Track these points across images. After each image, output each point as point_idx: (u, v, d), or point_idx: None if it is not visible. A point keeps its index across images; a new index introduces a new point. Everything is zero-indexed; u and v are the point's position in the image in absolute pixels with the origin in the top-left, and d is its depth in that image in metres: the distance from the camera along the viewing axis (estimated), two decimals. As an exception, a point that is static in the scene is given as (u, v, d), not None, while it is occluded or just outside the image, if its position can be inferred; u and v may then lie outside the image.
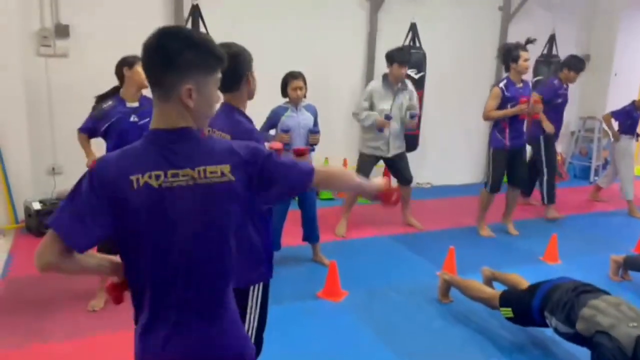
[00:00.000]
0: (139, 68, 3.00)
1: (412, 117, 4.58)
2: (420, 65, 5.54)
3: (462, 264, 3.90)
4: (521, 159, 4.77)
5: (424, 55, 5.56)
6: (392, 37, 5.69)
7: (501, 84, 4.53)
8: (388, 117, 4.43)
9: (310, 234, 4.00)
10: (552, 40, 6.26)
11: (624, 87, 7.10)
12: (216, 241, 1.28)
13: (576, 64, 5.20)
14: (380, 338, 2.99)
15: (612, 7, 7.05)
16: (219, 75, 1.31)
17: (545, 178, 5.31)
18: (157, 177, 1.22)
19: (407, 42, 5.55)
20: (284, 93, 3.86)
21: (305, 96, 3.85)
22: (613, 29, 7.03)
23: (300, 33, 5.59)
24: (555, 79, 5.30)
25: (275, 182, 1.34)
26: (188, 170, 1.24)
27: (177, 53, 1.22)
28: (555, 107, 5.21)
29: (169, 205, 1.23)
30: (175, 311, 1.27)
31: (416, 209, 5.30)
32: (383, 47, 5.83)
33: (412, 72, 5.45)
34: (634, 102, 5.76)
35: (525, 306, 2.85)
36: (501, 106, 4.49)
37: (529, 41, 4.57)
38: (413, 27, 5.53)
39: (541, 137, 5.25)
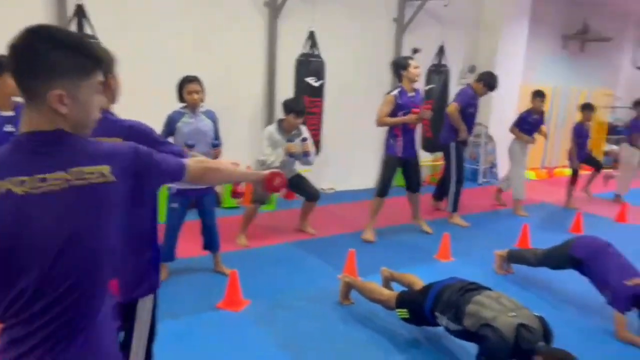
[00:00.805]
0: (6, 76, 2.73)
1: (305, 156, 4.66)
2: (319, 73, 5.63)
3: (363, 266, 4.00)
4: (416, 166, 4.99)
5: (322, 63, 5.66)
6: (291, 44, 5.75)
7: (394, 92, 4.72)
8: (290, 140, 4.51)
9: (210, 242, 3.90)
10: (441, 51, 6.65)
11: (505, 96, 7.72)
12: (93, 249, 1.18)
13: (490, 81, 5.48)
14: (282, 346, 2.96)
15: (494, 20, 7.64)
16: (98, 78, 1.22)
17: (453, 185, 5.56)
18: (22, 182, 1.11)
19: (306, 50, 5.61)
20: (181, 97, 3.74)
21: (202, 100, 3.75)
22: (495, 41, 7.62)
23: (198, 38, 5.47)
24: (470, 89, 5.54)
25: (151, 178, 1.35)
26: (60, 173, 1.13)
27: (44, 54, 1.11)
28: (468, 116, 5.49)
29: (36, 212, 1.11)
30: (44, 327, 1.15)
31: (319, 214, 5.37)
32: (283, 53, 5.90)
33: (311, 80, 5.52)
34: (530, 109, 6.18)
35: (419, 307, 2.98)
36: (394, 113, 4.68)
37: (416, 50, 4.83)
38: (312, 35, 5.61)
39: (452, 144, 5.50)
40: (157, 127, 3.47)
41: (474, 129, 5.78)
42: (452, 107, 5.45)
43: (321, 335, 3.12)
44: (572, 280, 3.85)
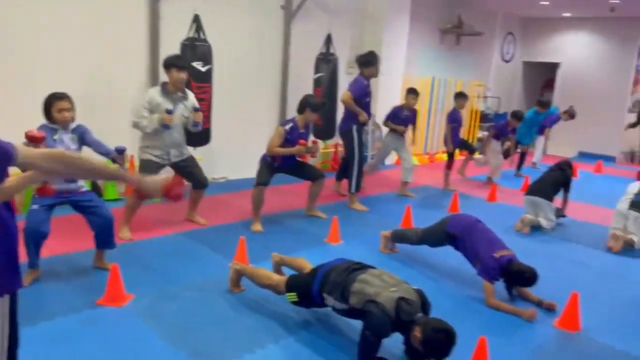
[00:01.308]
0: None
1: (195, 125, 4.51)
2: (206, 57, 5.47)
3: (254, 253, 3.99)
4: (300, 164, 5.13)
5: (209, 48, 5.50)
6: (176, 28, 5.52)
7: (287, 127, 4.85)
8: (170, 112, 4.27)
9: (104, 240, 3.61)
10: (329, 39, 6.78)
11: (390, 86, 8.09)
12: None
13: (372, 59, 5.62)
14: (169, 338, 2.86)
15: (377, 13, 7.93)
16: None
17: (355, 167, 5.72)
18: None
19: (191, 34, 5.42)
20: (48, 116, 3.43)
21: (73, 118, 3.49)
22: (379, 33, 7.92)
23: (79, 26, 5.05)
24: (362, 78, 5.65)
25: None
26: None
27: None
28: (365, 105, 5.64)
29: None
30: None
31: (211, 203, 5.25)
32: (167, 37, 5.63)
33: (198, 65, 5.36)
34: (402, 105, 6.48)
35: (308, 290, 3.03)
36: (282, 144, 4.83)
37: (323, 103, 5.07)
38: (197, 19, 5.43)
39: (354, 127, 5.65)
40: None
41: (371, 117, 5.97)
42: (346, 96, 5.61)
43: (211, 323, 3.06)
44: (449, 256, 4.15)
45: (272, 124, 6.58)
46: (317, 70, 6.80)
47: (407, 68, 8.68)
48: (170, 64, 4.30)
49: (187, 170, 4.58)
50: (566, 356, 3.05)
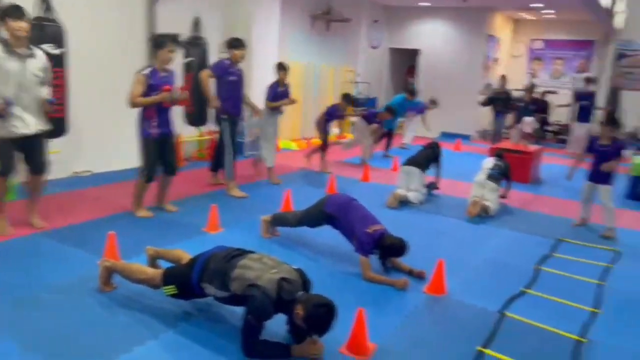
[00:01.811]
0: None
1: (50, 103, 4.05)
2: (58, 39, 4.97)
3: (126, 248, 3.76)
4: (170, 146, 4.82)
5: (61, 29, 5.01)
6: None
7: (145, 71, 4.49)
8: (9, 103, 3.76)
9: None
10: (197, 23, 6.54)
11: (264, 72, 8.03)
12: None
13: (236, 43, 5.53)
14: (32, 351, 2.58)
15: (247, -3, 7.82)
16: None
17: (226, 154, 5.60)
18: None
19: (38, 14, 4.88)
20: None
21: None
22: (250, 17, 7.82)
23: None
24: (227, 59, 5.53)
25: None
26: None
27: None
28: (229, 84, 5.49)
29: None
30: None
31: (76, 198, 4.83)
32: None
33: (49, 47, 4.84)
34: (277, 80, 6.43)
35: (186, 281, 2.92)
36: (146, 93, 4.46)
37: (175, 38, 4.70)
38: (44, -3, 4.90)
39: (225, 115, 5.51)
40: None
41: (242, 101, 5.81)
42: (202, 74, 5.49)
43: (81, 327, 2.82)
44: (327, 235, 4.27)
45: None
46: (186, 55, 6.53)
47: (281, 53, 8.70)
48: (4, 14, 3.76)
49: (35, 147, 4.07)
50: (435, 318, 3.31)
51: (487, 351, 2.87)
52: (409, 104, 9.08)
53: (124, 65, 6.17)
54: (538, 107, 10.26)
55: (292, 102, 6.58)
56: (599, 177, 5.11)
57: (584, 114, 9.87)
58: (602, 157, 5.03)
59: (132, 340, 2.73)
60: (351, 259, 3.95)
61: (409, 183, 5.94)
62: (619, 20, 11.12)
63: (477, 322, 3.22)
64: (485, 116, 12.05)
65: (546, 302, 3.59)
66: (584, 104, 9.79)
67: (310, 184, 6.57)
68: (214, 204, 4.65)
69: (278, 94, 6.38)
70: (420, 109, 9.57)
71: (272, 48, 8.28)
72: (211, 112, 6.33)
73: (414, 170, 5.97)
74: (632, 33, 11.76)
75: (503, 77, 10.66)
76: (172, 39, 4.68)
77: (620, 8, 10.73)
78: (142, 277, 3.10)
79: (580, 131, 10.00)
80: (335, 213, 4.00)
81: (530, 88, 9.87)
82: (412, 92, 9.07)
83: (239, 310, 2.81)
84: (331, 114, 7.44)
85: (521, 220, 5.62)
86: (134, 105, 4.49)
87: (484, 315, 3.31)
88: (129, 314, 3.00)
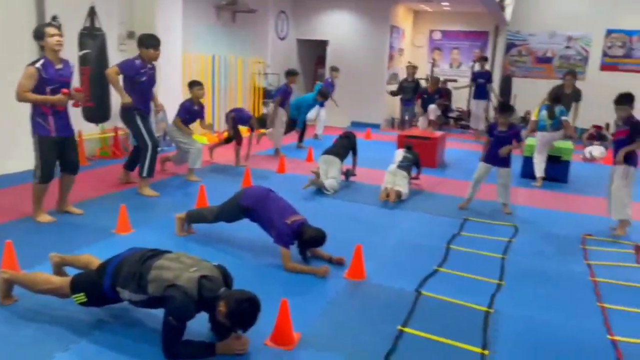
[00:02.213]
0: None
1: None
2: None
3: (27, 257, 3.47)
4: (72, 144, 4.51)
5: None
6: None
7: (38, 64, 4.13)
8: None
9: None
10: (92, 13, 6.13)
11: (169, 65, 7.73)
12: None
13: (151, 42, 5.26)
14: None
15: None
16: None
17: (148, 151, 5.34)
18: None
19: None
20: None
21: None
22: (151, 7, 7.47)
23: None
24: (137, 59, 5.24)
25: None
26: None
27: None
28: (140, 85, 5.23)
29: None
30: None
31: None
32: None
33: None
34: (190, 98, 6.29)
35: (97, 288, 2.77)
36: (39, 88, 4.12)
37: (53, 20, 4.37)
38: None
39: (135, 111, 5.26)
40: None
41: (150, 99, 5.55)
42: (110, 70, 5.23)
43: (-23, 348, 2.57)
44: (245, 229, 4.22)
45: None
46: (82, 47, 6.10)
47: (186, 45, 8.42)
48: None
49: None
50: (356, 302, 3.39)
51: (407, 329, 2.99)
52: (316, 103, 9.28)
53: (12, 59, 5.66)
54: (440, 95, 10.80)
55: (209, 128, 6.59)
56: (498, 160, 5.48)
57: (480, 92, 10.56)
58: (500, 142, 5.40)
59: (38, 355, 2.53)
60: (271, 250, 3.93)
61: (328, 171, 6.08)
62: (509, 12, 11.98)
63: (396, 303, 3.34)
64: (392, 105, 12.49)
65: (457, 278, 3.81)
66: (480, 82, 10.49)
67: (225, 179, 6.45)
68: (123, 204, 4.41)
69: (192, 112, 6.28)
70: (321, 104, 9.83)
71: (175, 40, 7.97)
72: (116, 108, 5.99)
73: (333, 159, 6.18)
74: (519, 24, 12.75)
75: (413, 67, 11.08)
76: (49, 23, 4.39)
77: (509, 0, 11.54)
78: (48, 287, 2.88)
79: (478, 108, 10.69)
80: (252, 206, 3.96)
81: (436, 81, 10.35)
82: (324, 95, 9.08)
83: (157, 312, 2.71)
84: (242, 119, 7.32)
85: (431, 202, 5.90)
86: (21, 99, 4.14)
87: (402, 296, 3.45)
88: (35, 327, 2.78)
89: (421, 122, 10.21)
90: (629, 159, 4.95)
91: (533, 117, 7.15)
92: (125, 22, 7.36)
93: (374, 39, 12.01)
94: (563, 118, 6.90)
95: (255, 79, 10.80)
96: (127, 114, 5.33)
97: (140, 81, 5.27)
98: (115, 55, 6.65)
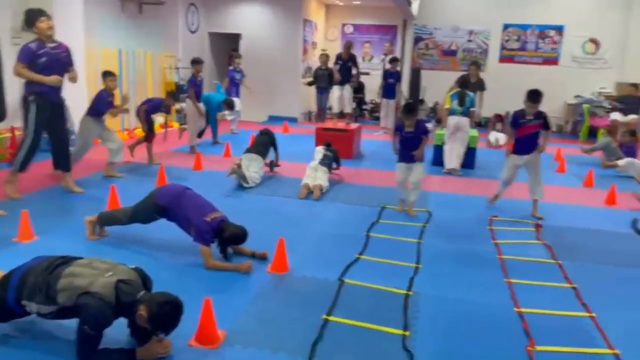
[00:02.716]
0: None
1: None
2: None
3: None
4: None
5: None
6: None
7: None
8: None
9: None
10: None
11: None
12: None
13: (35, 14, 4.86)
14: None
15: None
16: None
17: (26, 143, 4.93)
18: None
19: None
20: None
21: None
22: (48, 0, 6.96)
23: None
24: (33, 42, 4.81)
25: None
26: None
27: None
28: (43, 67, 4.80)
29: None
30: None
31: None
32: None
33: None
34: (104, 89, 6.00)
35: (1, 302, 2.57)
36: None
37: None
38: None
39: (32, 98, 4.86)
40: None
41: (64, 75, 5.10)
42: (16, 68, 4.78)
43: None
44: (162, 229, 4.07)
45: None
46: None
47: (89, 40, 7.93)
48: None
49: None
50: (281, 295, 3.40)
51: (332, 318, 3.05)
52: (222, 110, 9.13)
53: None
54: (354, 62, 11.00)
55: (123, 110, 6.38)
56: (411, 158, 5.41)
57: (390, 91, 10.90)
58: (409, 142, 5.33)
59: None
60: (191, 249, 3.83)
61: (249, 166, 6.09)
62: (415, 7, 12.45)
63: (320, 293, 3.39)
64: (308, 99, 12.57)
65: (378, 264, 3.93)
66: (390, 82, 10.82)
67: (138, 178, 6.18)
68: (25, 210, 4.09)
69: (108, 102, 6.00)
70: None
71: (77, 33, 7.49)
72: (12, 106, 5.53)
73: (256, 157, 6.23)
74: (425, 18, 13.30)
75: (326, 55, 11.20)
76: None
77: (414, -6, 11.99)
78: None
79: (388, 107, 11.03)
80: (168, 204, 3.82)
81: (349, 45, 10.65)
82: (230, 106, 8.58)
83: (70, 323, 2.55)
84: (155, 107, 7.07)
85: (350, 193, 6.03)
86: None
87: (325, 286, 3.50)
88: None
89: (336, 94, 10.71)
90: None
91: (446, 105, 7.46)
92: (20, 13, 6.79)
93: (287, 32, 11.99)
94: (472, 109, 7.33)
95: (166, 74, 10.42)
96: (24, 101, 4.93)
97: (38, 63, 4.79)
98: (11, 50, 6.12)
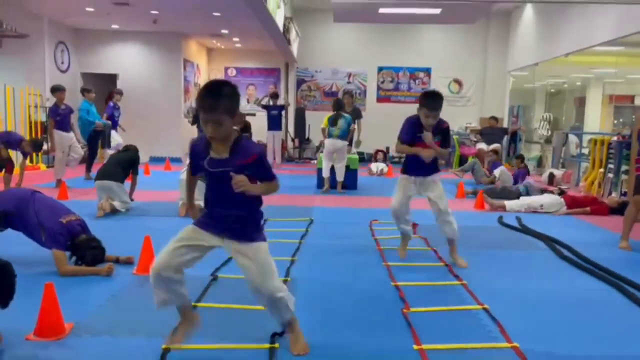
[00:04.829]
0: None
1: None
2: None
3: None
4: None
5: None
6: None
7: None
8: None
9: None
10: None
11: None
12: None
13: None
14: None
15: None
16: None
17: None
18: None
19: None
20: None
21: None
22: None
23: None
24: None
25: None
26: None
27: None
28: None
29: None
30: None
31: None
32: None
33: None
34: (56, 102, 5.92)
35: None
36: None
37: None
38: None
39: None
40: None
41: None
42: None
43: None
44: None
45: None
46: None
47: None
48: None
49: None
50: (143, 294, 3.01)
51: (200, 304, 2.81)
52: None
53: None
54: (241, 128, 11.01)
55: None
56: None
57: (275, 123, 11.03)
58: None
59: None
60: (43, 257, 3.38)
61: (110, 197, 5.37)
62: (295, 50, 12.94)
63: (190, 287, 3.11)
64: (189, 137, 12.28)
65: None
66: (273, 113, 10.97)
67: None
68: None
69: (61, 113, 6.84)
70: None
71: None
72: None
73: (108, 184, 5.35)
74: (306, 62, 13.85)
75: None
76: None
77: (292, 37, 12.47)
78: None
79: (275, 140, 11.10)
80: (14, 210, 3.37)
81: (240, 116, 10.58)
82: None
83: None
84: (11, 143, 6.46)
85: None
86: None
87: (196, 280, 3.23)
88: None
89: None
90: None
91: (322, 125, 7.82)
92: None
93: (167, 72, 11.80)
94: (351, 127, 7.65)
95: (31, 112, 9.63)
96: None
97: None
98: None
